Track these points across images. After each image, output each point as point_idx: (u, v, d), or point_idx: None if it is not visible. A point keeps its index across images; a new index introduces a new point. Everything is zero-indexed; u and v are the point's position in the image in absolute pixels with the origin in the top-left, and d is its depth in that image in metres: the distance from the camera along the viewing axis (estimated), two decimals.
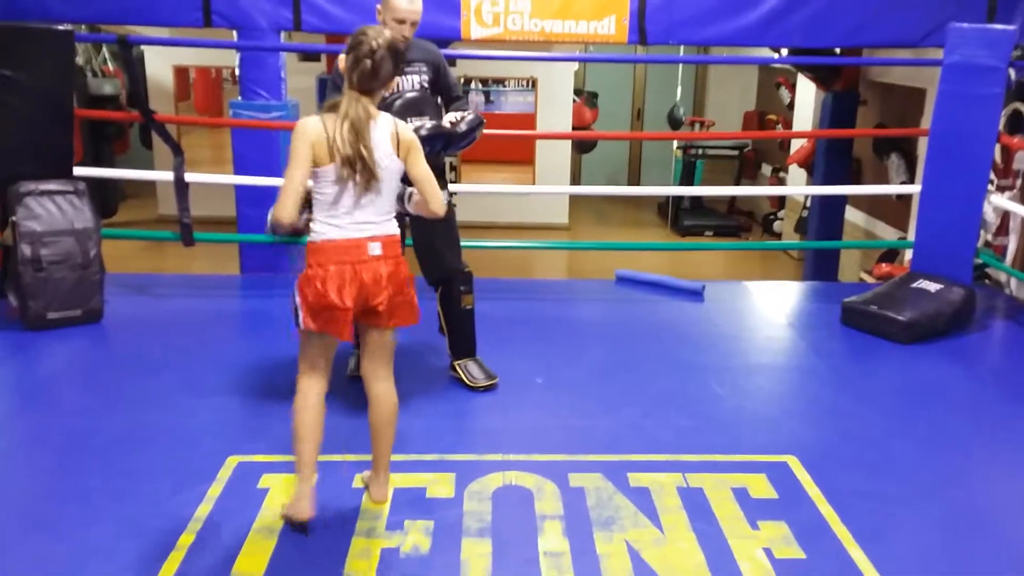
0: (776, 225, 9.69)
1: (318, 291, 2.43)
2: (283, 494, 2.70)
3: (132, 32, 6.18)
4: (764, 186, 9.91)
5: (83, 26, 6.78)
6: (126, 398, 3.41)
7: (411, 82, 3.34)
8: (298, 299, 2.48)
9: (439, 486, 2.80)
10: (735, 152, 10.40)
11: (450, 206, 3.41)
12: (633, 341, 4.23)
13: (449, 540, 2.51)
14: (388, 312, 2.54)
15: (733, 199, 10.65)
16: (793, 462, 3.01)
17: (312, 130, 2.38)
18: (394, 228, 2.54)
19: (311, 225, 2.48)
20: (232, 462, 2.91)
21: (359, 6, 4.87)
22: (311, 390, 2.53)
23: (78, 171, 4.44)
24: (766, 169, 10.39)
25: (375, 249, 2.47)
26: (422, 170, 2.53)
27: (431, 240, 3.50)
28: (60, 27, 4.35)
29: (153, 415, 3.26)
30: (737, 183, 10.30)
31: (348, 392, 3.38)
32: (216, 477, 2.81)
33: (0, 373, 3.69)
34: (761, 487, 2.85)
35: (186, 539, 2.48)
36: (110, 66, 8.70)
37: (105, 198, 7.17)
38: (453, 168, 9.46)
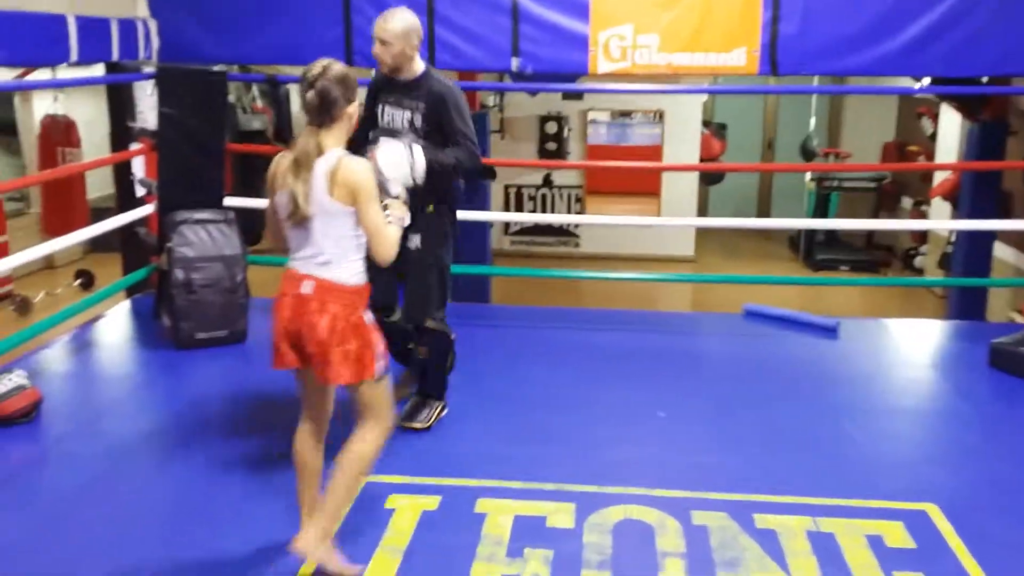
0: (918, 261, 9.22)
1: (273, 317, 2.44)
2: (409, 515, 2.77)
3: (280, 72, 6.56)
4: (906, 220, 9.48)
5: (235, 66, 7.25)
6: (264, 416, 3.58)
7: (402, 118, 3.23)
8: None
9: (559, 516, 2.80)
10: (873, 184, 10.00)
11: (422, 252, 3.27)
12: (761, 377, 4.11)
13: (569, 571, 2.51)
14: (321, 362, 2.38)
15: (871, 233, 10.20)
16: (933, 510, 2.85)
17: (274, 162, 2.42)
18: (339, 274, 2.37)
19: None
20: (361, 481, 3.00)
21: (490, 44, 5.01)
22: (298, 431, 2.55)
23: (228, 201, 4.74)
24: (906, 202, 9.93)
25: (306, 287, 2.36)
26: (369, 218, 2.34)
27: (407, 284, 3.35)
28: (215, 69, 4.68)
29: (290, 433, 3.41)
30: (875, 216, 9.89)
31: (479, 417, 3.44)
32: None
33: (153, 388, 3.96)
34: (898, 536, 2.71)
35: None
36: (259, 103, 9.26)
37: (251, 227, 7.59)
38: (579, 199, 9.51)
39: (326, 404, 2.54)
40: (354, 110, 2.41)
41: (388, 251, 2.39)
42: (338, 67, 2.37)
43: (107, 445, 3.33)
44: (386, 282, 3.33)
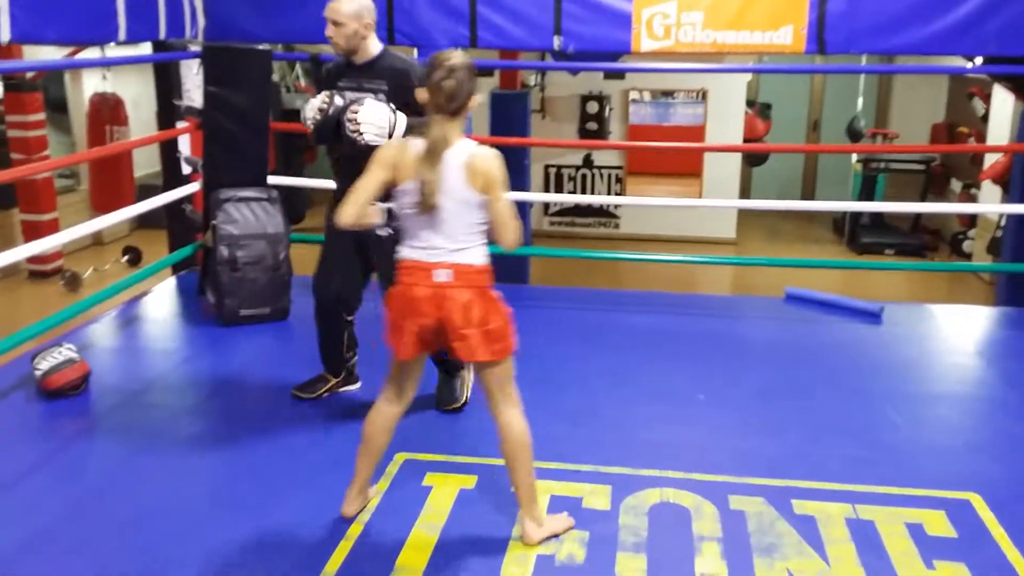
0: (966, 245, 9.02)
1: (392, 308, 2.49)
2: (447, 492, 2.80)
3: (323, 51, 6.60)
4: (955, 203, 9.27)
5: (279, 45, 7.30)
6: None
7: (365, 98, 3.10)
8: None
9: (595, 497, 2.81)
10: (921, 166, 9.78)
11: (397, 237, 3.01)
12: (802, 362, 4.07)
13: (604, 552, 2.52)
14: (464, 345, 2.44)
15: (918, 216, 10.00)
16: (976, 500, 2.81)
17: (393, 150, 2.43)
18: (474, 258, 2.44)
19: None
20: (400, 458, 3.04)
21: (533, 22, 4.98)
22: (376, 405, 2.63)
23: (271, 180, 4.79)
24: (956, 185, 9.71)
25: (443, 276, 2.41)
26: (500, 208, 2.40)
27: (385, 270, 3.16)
28: (260, 47, 4.72)
29: (330, 409, 3.47)
30: (923, 199, 9.69)
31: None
32: (384, 472, 2.95)
33: (198, 363, 4.04)
34: (939, 525, 2.68)
35: (355, 529, 2.62)
36: (302, 82, 9.32)
37: (294, 205, 7.68)
38: (619, 180, 9.45)
39: (414, 389, 2.64)
40: (475, 102, 2.44)
41: (513, 238, 2.43)
42: (467, 57, 2.41)
43: (153, 417, 3.41)
44: (350, 276, 3.38)
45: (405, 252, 2.49)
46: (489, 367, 2.49)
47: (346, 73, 3.22)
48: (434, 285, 2.42)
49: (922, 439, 3.30)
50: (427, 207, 2.37)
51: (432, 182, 2.35)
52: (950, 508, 2.76)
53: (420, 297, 2.43)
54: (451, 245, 2.42)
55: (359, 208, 2.43)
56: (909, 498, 2.83)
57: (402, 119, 2.97)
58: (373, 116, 2.92)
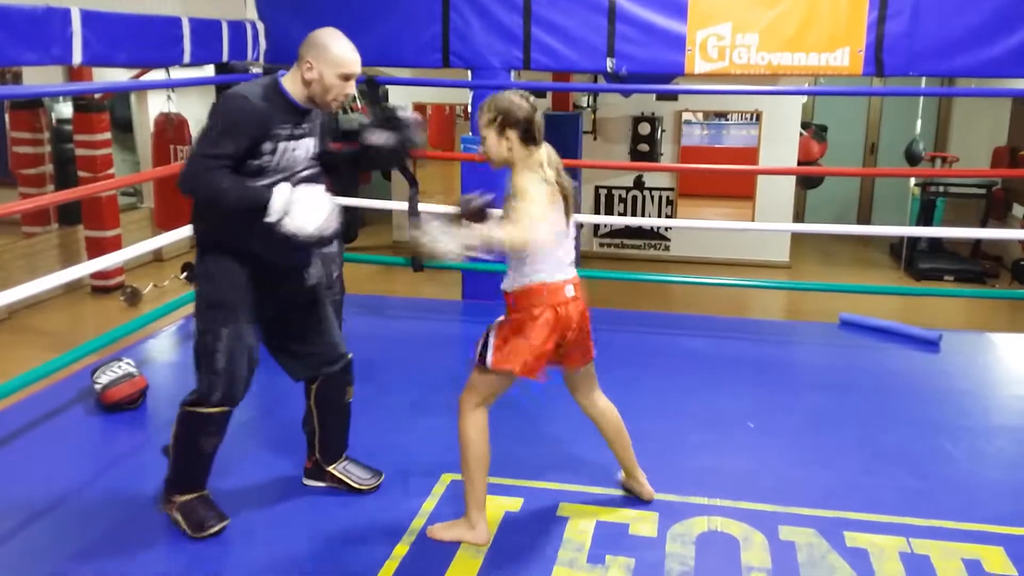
0: None
1: (539, 332, 2.56)
2: (491, 515, 2.80)
3: (379, 73, 6.71)
4: (1017, 229, 9.02)
5: None
6: (357, 410, 3.66)
7: (304, 150, 2.66)
8: (521, 341, 2.56)
9: (642, 524, 2.79)
10: (982, 191, 9.55)
11: (328, 283, 2.85)
12: (856, 390, 4.00)
13: None
14: (584, 350, 2.72)
15: (978, 242, 9.76)
16: None
17: (545, 175, 2.54)
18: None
19: (526, 270, 2.57)
20: (446, 479, 3.06)
21: (586, 44, 5.01)
22: (486, 424, 2.66)
23: None
24: (1018, 211, 9.46)
25: (575, 290, 2.64)
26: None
27: (322, 314, 2.86)
28: None
29: (381, 427, 3.51)
30: (983, 225, 9.45)
31: (564, 420, 3.45)
32: (431, 492, 2.97)
33: (254, 378, 4.09)
34: (997, 561, 2.60)
35: (401, 549, 2.64)
36: (359, 103, 9.49)
37: (348, 224, 7.78)
38: (670, 202, 9.41)
39: (591, 377, 2.83)
40: None
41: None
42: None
43: None
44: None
45: (549, 274, 2.57)
46: (590, 362, 2.76)
47: (288, 117, 2.59)
48: (578, 300, 2.64)
49: (980, 472, 3.21)
50: (568, 225, 2.61)
51: (571, 203, 2.61)
52: (1009, 544, 2.68)
53: (577, 313, 2.62)
54: (571, 259, 2.66)
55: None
56: (966, 532, 2.76)
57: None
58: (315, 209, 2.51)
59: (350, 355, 2.94)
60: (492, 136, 2.54)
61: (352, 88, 2.63)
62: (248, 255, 2.64)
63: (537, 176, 2.51)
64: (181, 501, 2.72)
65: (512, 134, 2.52)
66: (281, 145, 2.57)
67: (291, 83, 2.61)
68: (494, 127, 2.53)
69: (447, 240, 2.34)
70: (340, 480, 2.98)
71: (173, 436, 2.73)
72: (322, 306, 2.87)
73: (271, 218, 2.45)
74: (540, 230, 2.45)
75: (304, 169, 2.67)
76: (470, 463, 2.64)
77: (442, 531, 2.71)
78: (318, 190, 2.56)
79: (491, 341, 2.60)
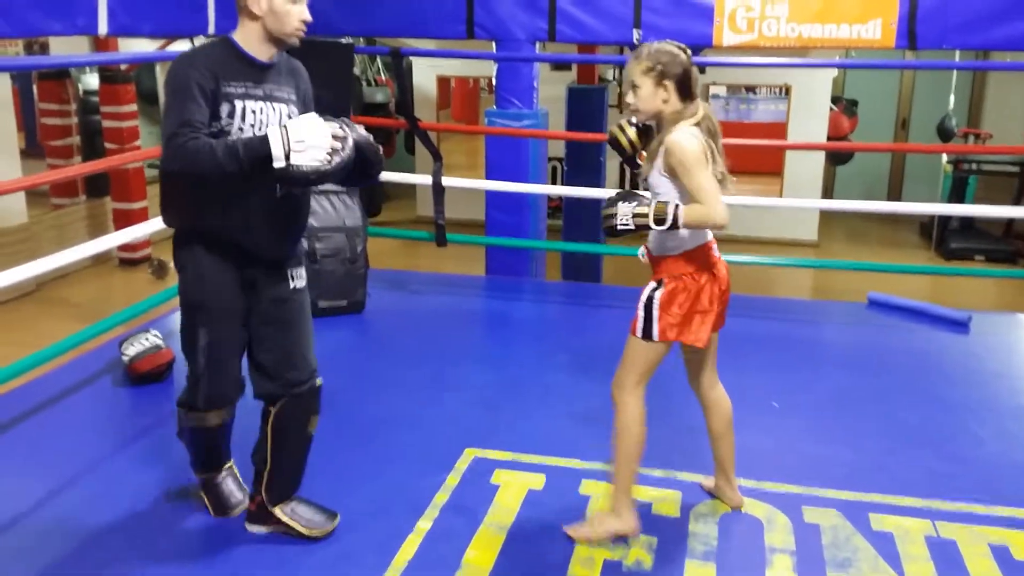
0: None
1: (702, 296, 2.51)
2: (515, 492, 2.81)
3: (404, 44, 6.67)
4: None
5: (361, 39, 7.42)
6: (381, 384, 3.70)
7: (278, 114, 2.41)
8: (688, 307, 2.48)
9: (665, 504, 2.78)
10: (1015, 168, 9.37)
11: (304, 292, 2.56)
12: (883, 370, 3.95)
13: (672, 560, 2.49)
14: (723, 314, 2.62)
15: (1011, 221, 9.58)
16: None
17: (699, 138, 2.42)
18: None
19: (683, 233, 2.48)
20: (469, 454, 3.06)
21: (612, 15, 4.94)
22: (644, 406, 2.58)
23: None
24: None
25: (716, 251, 2.61)
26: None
27: (303, 327, 2.55)
28: (343, 41, 4.79)
29: (404, 402, 3.52)
30: (1016, 203, 9.28)
31: (586, 397, 3.44)
32: (454, 467, 2.97)
33: None
34: None
35: (424, 524, 2.65)
36: (383, 76, 9.44)
37: (372, 199, 7.80)
38: None
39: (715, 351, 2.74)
40: None
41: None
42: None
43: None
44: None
45: (703, 235, 2.53)
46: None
47: (243, 73, 2.36)
48: (720, 258, 2.59)
49: (1008, 455, 3.17)
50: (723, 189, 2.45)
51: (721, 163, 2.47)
52: None
53: (726, 271, 2.58)
54: None
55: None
56: (994, 517, 2.72)
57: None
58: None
59: (320, 381, 2.56)
60: (648, 86, 2.41)
61: (306, 11, 2.41)
62: (229, 246, 2.40)
63: (691, 133, 2.39)
64: (203, 479, 2.73)
65: (670, 85, 2.40)
66: (239, 105, 2.30)
67: (242, 34, 2.37)
68: (652, 76, 2.40)
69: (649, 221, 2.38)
70: (287, 525, 2.55)
71: (178, 428, 2.70)
72: (304, 317, 2.54)
73: (278, 163, 2.16)
74: (721, 198, 2.39)
75: None
76: (630, 448, 2.53)
77: (589, 530, 2.57)
78: (310, 115, 2.27)
79: (654, 312, 2.48)
